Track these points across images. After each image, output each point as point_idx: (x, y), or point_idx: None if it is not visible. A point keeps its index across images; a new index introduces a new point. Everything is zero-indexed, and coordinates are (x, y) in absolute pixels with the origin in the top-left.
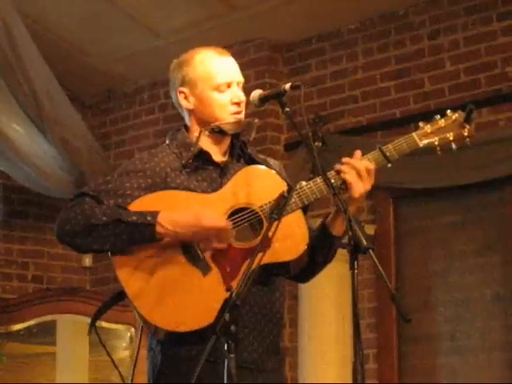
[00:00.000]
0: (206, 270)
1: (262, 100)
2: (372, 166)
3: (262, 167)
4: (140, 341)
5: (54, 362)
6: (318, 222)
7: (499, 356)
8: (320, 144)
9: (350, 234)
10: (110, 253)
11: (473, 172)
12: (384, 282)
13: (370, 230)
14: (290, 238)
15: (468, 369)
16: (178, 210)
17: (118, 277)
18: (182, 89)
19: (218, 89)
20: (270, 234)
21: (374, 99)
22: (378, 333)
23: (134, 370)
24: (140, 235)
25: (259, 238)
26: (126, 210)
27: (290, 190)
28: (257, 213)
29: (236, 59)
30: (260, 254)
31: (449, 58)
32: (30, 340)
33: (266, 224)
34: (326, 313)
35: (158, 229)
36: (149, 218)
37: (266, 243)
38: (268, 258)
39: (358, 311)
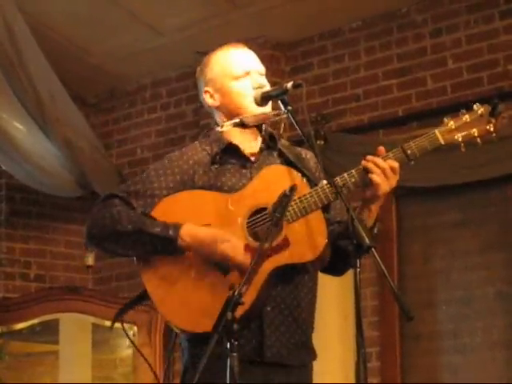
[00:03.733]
0: (226, 271)
1: (265, 98)
2: (397, 165)
3: (283, 167)
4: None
5: (56, 360)
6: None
7: (502, 354)
8: (322, 142)
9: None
10: (135, 258)
11: (475, 170)
12: (387, 281)
13: None
14: (308, 239)
15: (471, 367)
16: (202, 213)
17: (143, 281)
18: (206, 88)
19: (236, 78)
20: (285, 235)
21: (377, 97)
22: (380, 331)
23: (167, 369)
24: (162, 248)
25: (279, 238)
26: (151, 218)
27: (293, 188)
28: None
29: None
30: (273, 255)
31: (451, 56)
32: (32, 339)
33: (284, 224)
34: (328, 311)
35: (180, 242)
36: (171, 233)
37: (283, 244)
38: (284, 259)
39: (360, 309)
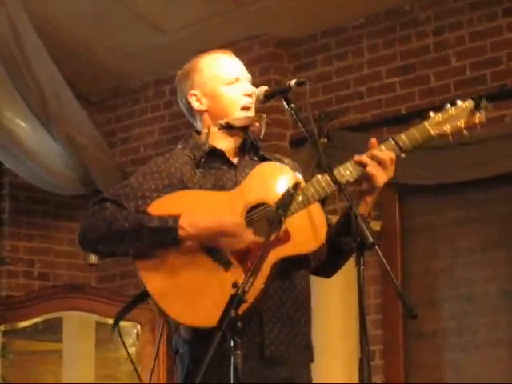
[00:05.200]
0: (227, 265)
1: (267, 96)
2: (394, 155)
3: (277, 163)
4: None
5: (60, 359)
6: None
7: (505, 352)
8: (325, 140)
9: (356, 230)
10: (131, 256)
11: (478, 168)
12: (390, 279)
13: (376, 226)
14: (309, 230)
15: (474, 365)
16: (198, 209)
17: (142, 278)
18: (193, 92)
19: (228, 84)
20: (285, 228)
21: (380, 95)
22: (384, 329)
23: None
24: (163, 240)
25: (276, 233)
26: (147, 214)
27: (296, 185)
28: (273, 208)
29: (241, 55)
30: (275, 248)
31: (454, 53)
32: (36, 337)
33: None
34: (332, 309)
35: (180, 232)
36: (170, 223)
37: (284, 237)
38: (287, 251)
39: (364, 307)
